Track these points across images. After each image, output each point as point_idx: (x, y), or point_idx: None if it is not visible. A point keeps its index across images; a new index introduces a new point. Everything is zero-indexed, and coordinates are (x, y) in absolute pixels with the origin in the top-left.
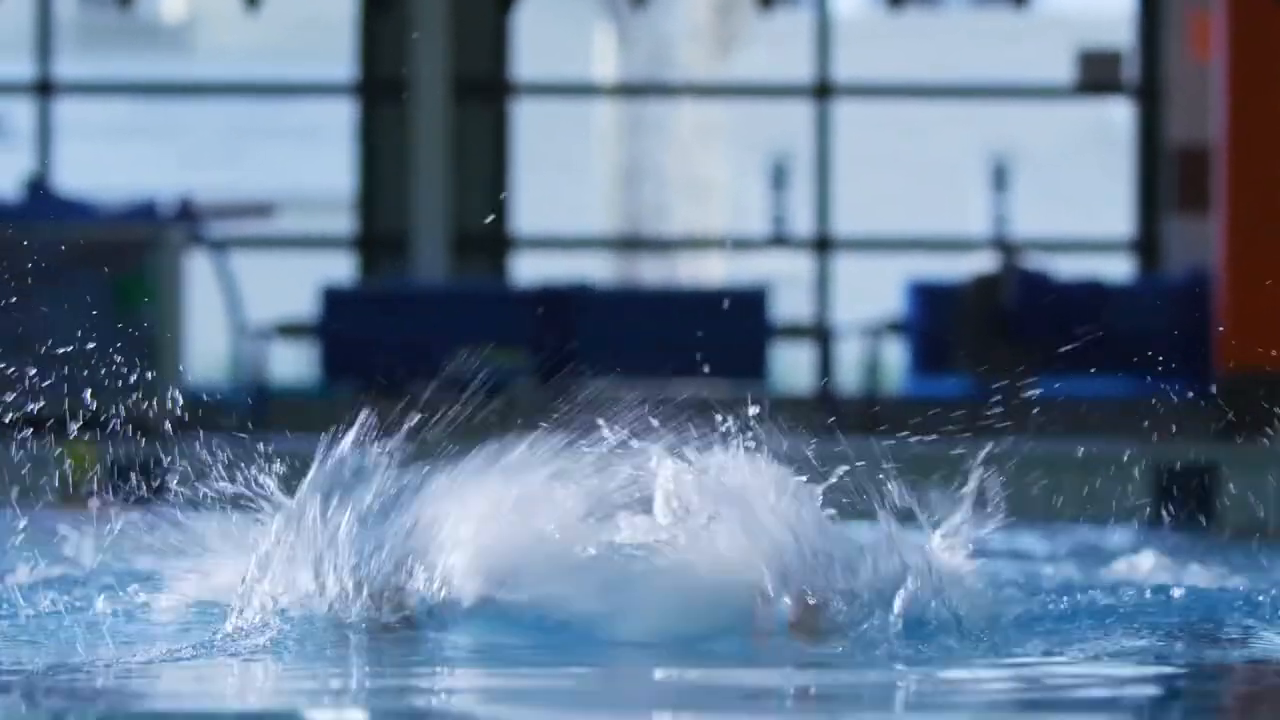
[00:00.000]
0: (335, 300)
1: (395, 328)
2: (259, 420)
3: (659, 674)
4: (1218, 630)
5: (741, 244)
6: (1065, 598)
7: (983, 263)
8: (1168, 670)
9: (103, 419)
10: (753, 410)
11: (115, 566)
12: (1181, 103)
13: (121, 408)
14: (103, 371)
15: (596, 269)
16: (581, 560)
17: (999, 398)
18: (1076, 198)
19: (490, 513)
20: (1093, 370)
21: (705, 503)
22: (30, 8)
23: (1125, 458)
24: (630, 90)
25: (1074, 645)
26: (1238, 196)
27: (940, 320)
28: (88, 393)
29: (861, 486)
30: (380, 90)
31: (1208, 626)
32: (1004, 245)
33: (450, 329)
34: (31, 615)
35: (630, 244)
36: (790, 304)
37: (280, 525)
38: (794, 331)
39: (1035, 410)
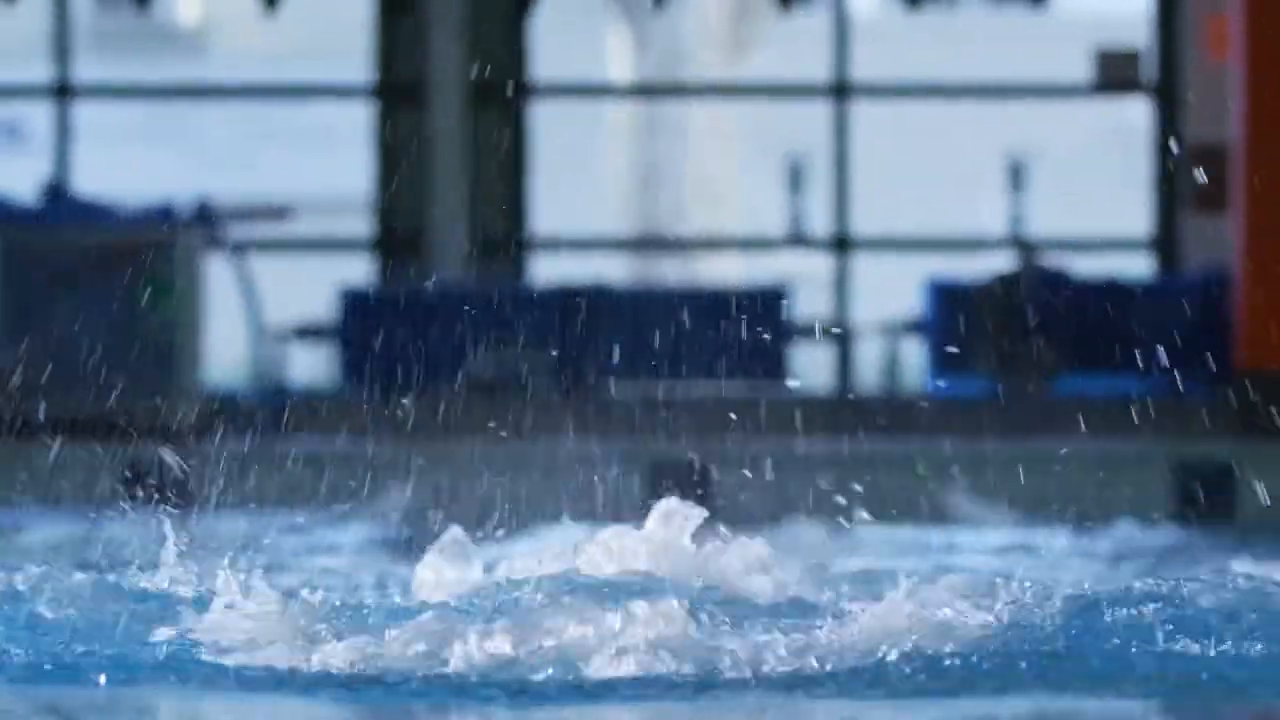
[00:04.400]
0: (353, 302)
1: (413, 330)
2: (278, 422)
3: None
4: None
5: (759, 244)
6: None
7: (1001, 262)
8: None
9: (124, 421)
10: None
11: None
12: (1199, 102)
13: (142, 410)
14: (124, 374)
15: (613, 270)
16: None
17: (1017, 396)
18: (1094, 197)
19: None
20: (1111, 369)
21: None
22: (47, 12)
23: (1144, 456)
24: (647, 91)
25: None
26: (1255, 195)
27: (959, 320)
28: (109, 395)
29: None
30: (398, 92)
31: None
32: (1022, 244)
33: (468, 330)
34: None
35: (647, 245)
36: (809, 304)
37: None
38: (812, 332)
39: (1053, 409)
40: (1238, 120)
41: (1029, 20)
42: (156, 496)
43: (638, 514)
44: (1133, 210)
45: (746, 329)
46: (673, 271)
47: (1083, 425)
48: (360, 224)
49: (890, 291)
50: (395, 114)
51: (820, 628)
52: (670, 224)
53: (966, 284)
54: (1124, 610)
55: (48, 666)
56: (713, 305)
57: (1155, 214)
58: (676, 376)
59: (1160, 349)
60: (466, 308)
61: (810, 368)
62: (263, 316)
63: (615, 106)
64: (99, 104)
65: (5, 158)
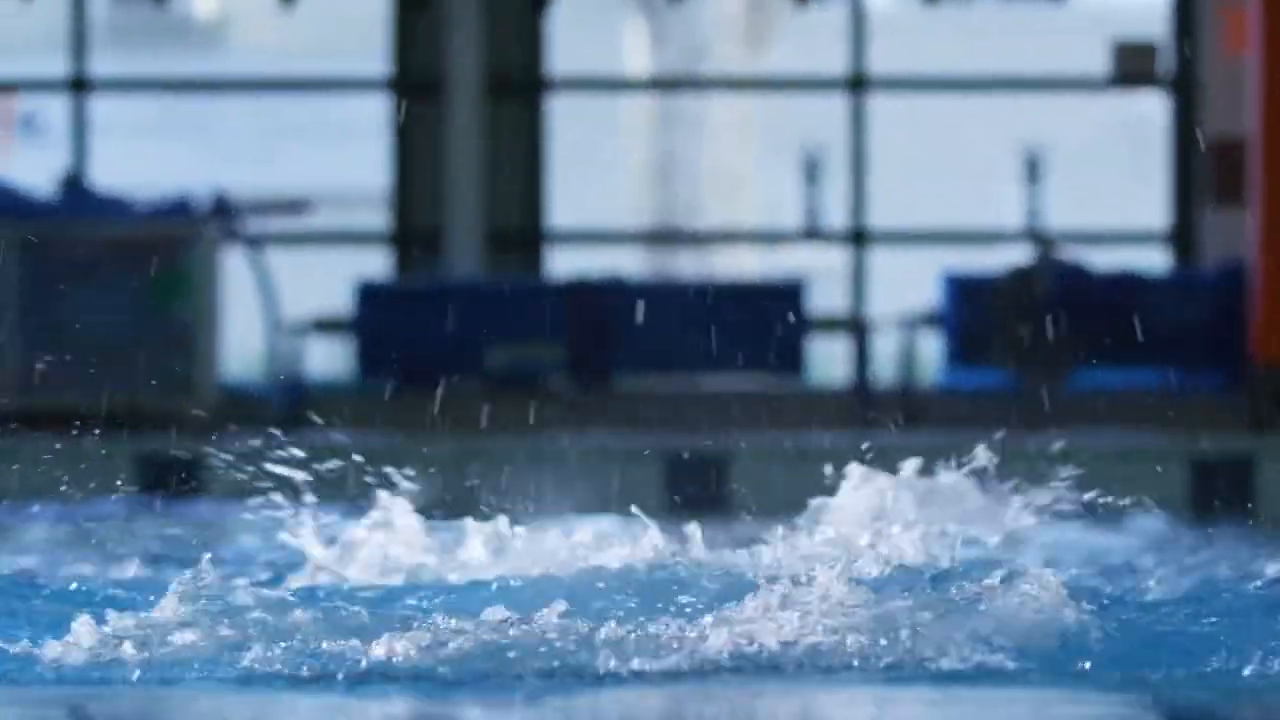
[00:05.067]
0: (371, 296)
1: (430, 323)
2: (294, 416)
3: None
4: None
5: (776, 238)
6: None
7: (1018, 255)
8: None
9: (140, 414)
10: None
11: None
12: (1217, 95)
13: (159, 403)
14: (140, 367)
15: (630, 263)
16: None
17: (1034, 390)
18: (1111, 190)
19: None
20: (1128, 363)
21: None
22: (64, 6)
23: (1160, 450)
24: (663, 85)
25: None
26: (1273, 189)
27: (976, 313)
28: (126, 388)
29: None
30: (415, 86)
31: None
32: (1039, 238)
33: (485, 324)
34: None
35: (664, 238)
36: (825, 297)
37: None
38: (830, 325)
39: (1070, 402)
40: (1255, 113)
41: (1046, 13)
42: (170, 490)
43: (651, 508)
44: (1148, 204)
45: (763, 323)
46: (689, 265)
47: (1099, 419)
48: (377, 218)
49: (907, 285)
50: (412, 108)
51: (824, 620)
52: (687, 218)
53: (983, 277)
54: (1133, 606)
55: (48, 664)
56: (729, 299)
57: (1172, 207)
58: (693, 370)
59: (1176, 343)
60: (483, 302)
61: (827, 361)
62: (280, 310)
63: (632, 100)
64: (116, 98)
65: (23, 151)
